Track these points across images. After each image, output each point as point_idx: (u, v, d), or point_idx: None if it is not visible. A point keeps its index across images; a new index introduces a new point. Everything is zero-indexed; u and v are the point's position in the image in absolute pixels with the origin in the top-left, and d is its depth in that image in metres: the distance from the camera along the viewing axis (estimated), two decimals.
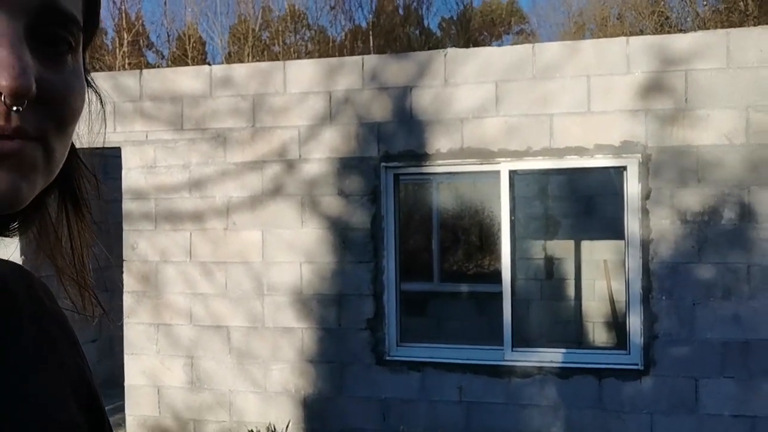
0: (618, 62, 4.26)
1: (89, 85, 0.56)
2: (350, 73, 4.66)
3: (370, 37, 22.96)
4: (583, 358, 4.39)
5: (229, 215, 4.84)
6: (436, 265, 7.66)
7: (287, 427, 4.68)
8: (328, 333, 4.68)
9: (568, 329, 7.45)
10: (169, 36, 24.10)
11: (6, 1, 0.43)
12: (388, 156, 4.58)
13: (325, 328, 4.68)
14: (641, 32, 18.40)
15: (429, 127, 4.53)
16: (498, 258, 4.57)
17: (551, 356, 4.40)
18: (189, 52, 21.48)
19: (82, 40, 0.51)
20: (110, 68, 18.81)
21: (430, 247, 7.70)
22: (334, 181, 4.67)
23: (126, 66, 19.60)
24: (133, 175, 5.01)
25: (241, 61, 18.23)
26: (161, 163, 4.95)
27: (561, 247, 7.53)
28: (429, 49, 4.73)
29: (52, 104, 0.47)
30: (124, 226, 5.02)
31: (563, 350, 4.48)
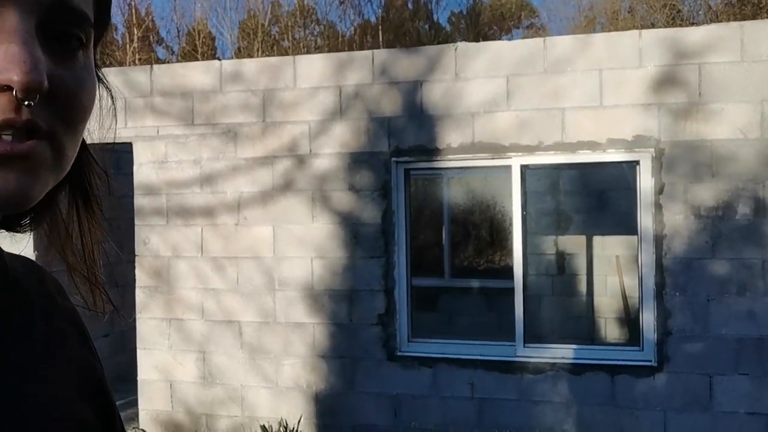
0: (630, 56, 4.22)
1: (100, 81, 0.56)
2: (360, 67, 4.64)
3: (380, 32, 22.91)
4: (595, 355, 4.36)
5: (240, 210, 4.84)
6: (447, 260, 7.64)
7: (299, 422, 4.69)
8: (340, 328, 4.68)
9: (580, 325, 7.41)
10: (178, 31, 24.17)
11: None
12: (398, 151, 4.57)
13: (336, 324, 4.68)
14: (652, 26, 18.25)
15: (440, 121, 4.51)
16: (509, 253, 4.55)
17: (563, 352, 4.38)
18: (199, 47, 21.53)
19: (93, 36, 0.51)
20: (120, 64, 18.89)
21: (441, 242, 7.69)
22: (344, 176, 4.66)
23: (136, 62, 19.67)
24: (144, 170, 5.02)
25: (251, 57, 18.23)
26: (172, 158, 4.96)
27: (573, 243, 7.49)
28: (438, 43, 4.71)
29: (63, 100, 0.47)
30: (136, 222, 5.04)
31: (575, 346, 4.46)
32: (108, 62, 19.68)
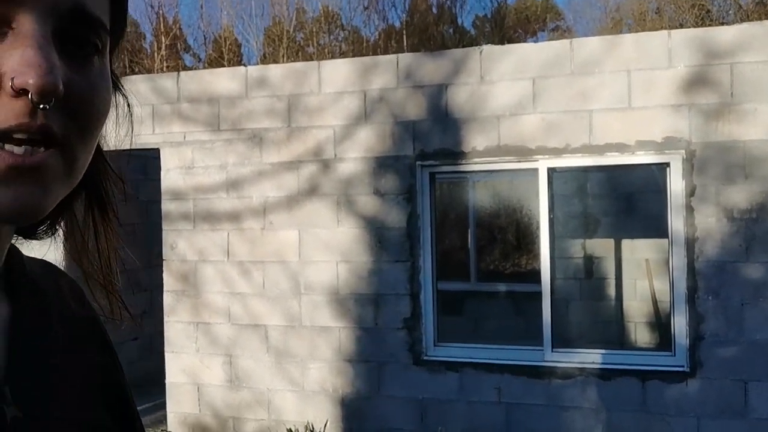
0: (659, 56, 4.15)
1: (117, 88, 0.56)
2: (385, 72, 4.64)
3: (404, 37, 22.94)
4: (625, 360, 4.29)
5: (266, 215, 4.87)
6: (473, 264, 7.60)
7: (325, 426, 4.69)
8: (365, 332, 4.67)
9: (609, 330, 7.30)
10: (205, 39, 24.48)
11: (36, 4, 0.43)
12: (423, 155, 4.55)
13: (362, 328, 4.67)
14: (681, 26, 17.98)
15: (465, 124, 4.48)
16: (536, 257, 4.50)
17: (593, 357, 4.31)
18: (225, 54, 21.77)
19: (109, 43, 0.52)
20: (149, 71, 19.18)
21: (466, 246, 7.64)
22: (369, 181, 4.65)
23: (164, 69, 19.96)
24: (171, 175, 5.08)
25: (276, 62, 18.39)
26: (199, 163, 5.01)
27: (601, 246, 7.39)
28: (463, 47, 4.68)
29: (78, 106, 0.47)
30: (164, 226, 5.10)
31: (605, 351, 4.39)
32: (137, 70, 20.01)
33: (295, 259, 4.80)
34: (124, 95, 0.59)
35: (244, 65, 5.06)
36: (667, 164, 4.19)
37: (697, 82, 4.10)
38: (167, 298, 5.10)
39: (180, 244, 5.06)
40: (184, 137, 5.04)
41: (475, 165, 4.52)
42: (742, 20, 16.34)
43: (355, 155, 4.68)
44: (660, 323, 6.85)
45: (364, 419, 4.68)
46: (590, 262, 7.43)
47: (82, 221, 0.58)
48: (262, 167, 4.88)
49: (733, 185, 4.02)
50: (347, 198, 4.70)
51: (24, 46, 0.43)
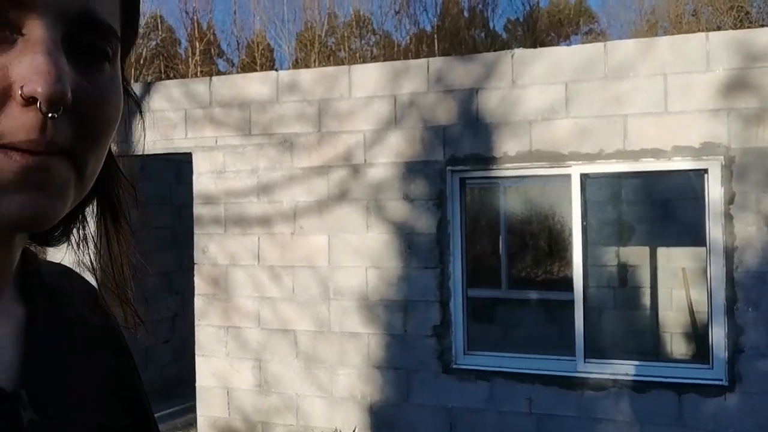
0: (697, 59, 4.05)
1: (128, 94, 0.56)
2: (415, 76, 4.61)
3: (435, 41, 22.89)
4: (661, 372, 4.17)
5: (296, 220, 4.88)
6: (504, 271, 7.51)
7: None
8: (394, 339, 4.64)
9: (644, 340, 7.13)
10: (238, 44, 24.78)
11: (45, 10, 0.43)
12: (453, 159, 4.51)
13: (391, 334, 4.64)
14: (719, 28, 17.59)
15: (496, 129, 4.43)
16: (569, 264, 4.42)
17: (627, 368, 4.21)
18: (258, 59, 22.00)
19: (121, 49, 0.52)
20: (183, 76, 19.47)
21: (497, 252, 7.55)
22: (399, 186, 4.63)
23: (198, 74, 20.25)
24: (203, 180, 5.12)
25: (308, 67, 18.51)
26: (230, 168, 5.04)
27: (635, 254, 7.23)
28: (495, 51, 4.62)
29: (87, 113, 0.47)
30: (195, 230, 5.14)
31: (640, 362, 4.28)
32: (171, 75, 20.35)
33: (324, 264, 4.79)
34: (136, 102, 0.59)
35: (276, 70, 5.08)
36: (705, 170, 4.07)
37: (736, 85, 3.98)
38: (198, 302, 5.14)
39: (211, 248, 5.10)
40: (216, 141, 5.08)
41: (506, 170, 4.46)
42: None
43: (385, 160, 4.66)
44: (697, 335, 6.67)
45: (393, 427, 4.64)
46: (624, 270, 7.27)
47: (94, 228, 0.58)
48: (292, 172, 4.89)
49: None
50: (377, 203, 4.68)
51: (33, 53, 0.43)
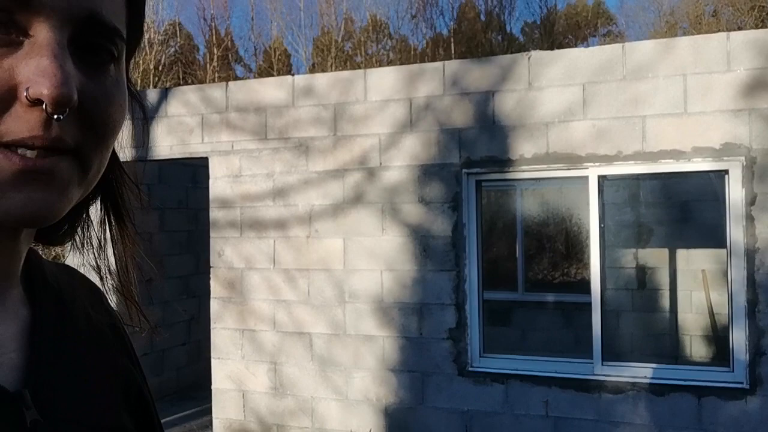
0: (717, 59, 3.99)
1: (133, 96, 0.57)
2: (431, 79, 4.61)
3: (452, 45, 22.87)
4: (680, 375, 4.12)
5: (312, 223, 4.88)
6: (521, 273, 7.46)
7: None
8: (409, 342, 4.62)
9: (663, 343, 7.05)
10: (255, 50, 24.95)
11: (51, 13, 0.44)
12: (469, 162, 4.49)
13: (406, 337, 4.63)
14: (740, 28, 17.37)
15: (512, 132, 4.40)
16: (586, 267, 4.38)
17: (645, 371, 4.16)
18: (275, 64, 22.13)
19: (126, 51, 0.52)
20: (201, 82, 19.64)
21: (514, 255, 7.51)
22: (414, 189, 4.62)
23: (216, 80, 20.41)
24: (219, 184, 5.15)
25: (324, 72, 18.58)
26: (246, 172, 5.07)
27: (654, 256, 7.15)
28: (512, 54, 4.59)
29: (93, 114, 0.47)
30: (211, 234, 5.17)
31: (658, 365, 4.23)
32: (190, 81, 20.52)
33: (339, 267, 4.79)
34: (139, 103, 0.59)
35: (292, 75, 5.10)
36: (726, 171, 4.01)
37: (757, 85, 3.92)
38: (214, 305, 5.16)
39: (227, 252, 5.12)
40: (232, 146, 5.11)
41: (522, 173, 4.43)
42: None
43: (400, 163, 4.66)
44: (717, 337, 6.57)
45: (408, 430, 4.62)
46: (643, 272, 7.19)
47: (98, 228, 0.59)
48: (308, 175, 4.90)
49: None
50: (392, 206, 4.67)
51: (39, 56, 0.43)
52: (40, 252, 0.61)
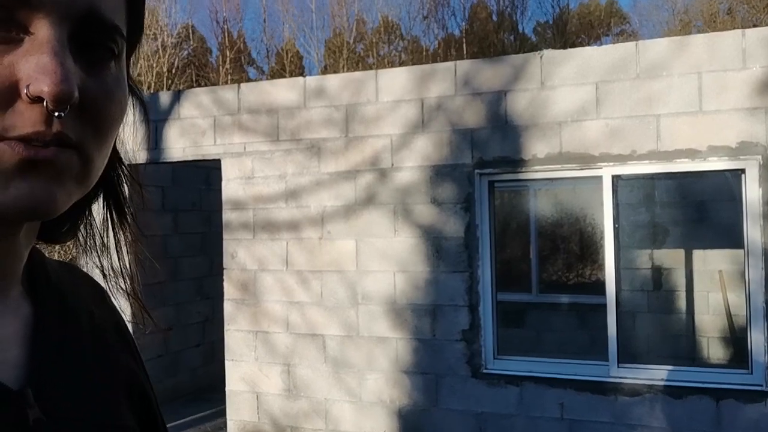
0: (733, 57, 3.94)
1: (133, 93, 0.57)
2: (442, 79, 4.59)
3: (464, 45, 22.82)
4: (698, 377, 4.06)
5: (324, 224, 4.88)
6: (535, 275, 7.41)
7: None
8: (423, 344, 4.60)
9: (679, 345, 6.97)
10: (268, 52, 25.04)
11: (51, 10, 0.44)
12: (482, 162, 4.47)
13: (419, 339, 4.61)
14: (755, 26, 17.18)
15: (525, 131, 4.37)
16: (601, 268, 4.34)
17: (662, 374, 4.11)
18: (287, 66, 22.21)
19: (126, 48, 0.52)
20: (214, 85, 19.73)
21: (527, 256, 7.46)
22: (426, 190, 4.60)
23: (228, 82, 20.50)
24: (232, 185, 5.16)
25: (336, 73, 18.60)
26: (258, 173, 5.08)
27: (670, 257, 7.07)
28: (524, 54, 4.57)
29: (93, 111, 0.47)
30: (224, 236, 5.18)
31: (675, 367, 4.18)
32: (203, 83, 20.64)
33: (352, 268, 4.78)
34: (140, 99, 0.59)
35: (304, 76, 5.11)
36: (742, 170, 3.96)
37: None
38: (227, 307, 5.17)
39: (240, 254, 5.13)
40: (245, 148, 5.12)
41: (535, 173, 4.40)
42: None
43: (412, 164, 4.64)
44: (735, 339, 6.49)
45: None
46: (659, 273, 7.12)
47: (100, 225, 0.59)
48: (320, 177, 4.90)
49: None
50: (404, 207, 4.66)
51: (39, 53, 0.43)
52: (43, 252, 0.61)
